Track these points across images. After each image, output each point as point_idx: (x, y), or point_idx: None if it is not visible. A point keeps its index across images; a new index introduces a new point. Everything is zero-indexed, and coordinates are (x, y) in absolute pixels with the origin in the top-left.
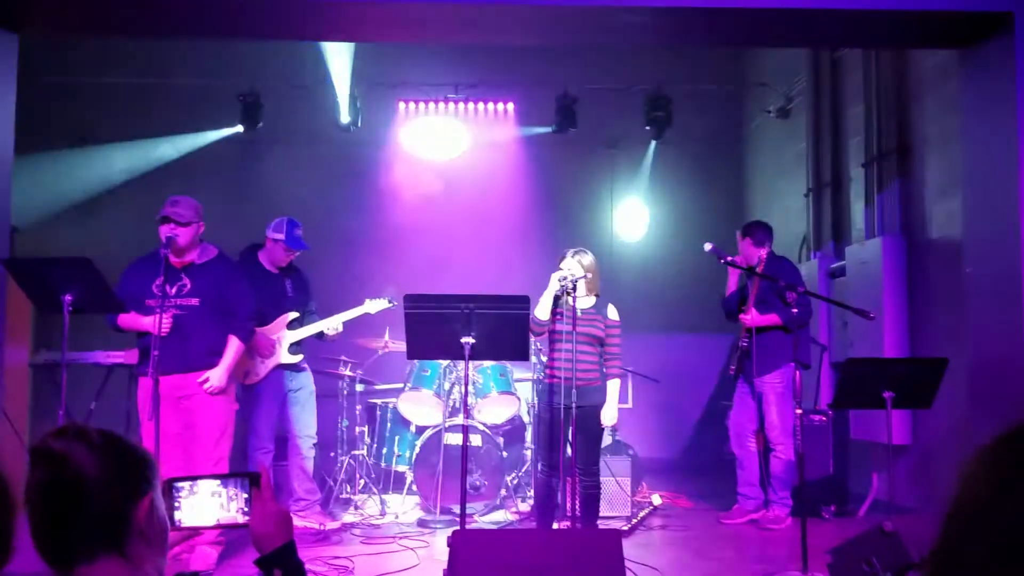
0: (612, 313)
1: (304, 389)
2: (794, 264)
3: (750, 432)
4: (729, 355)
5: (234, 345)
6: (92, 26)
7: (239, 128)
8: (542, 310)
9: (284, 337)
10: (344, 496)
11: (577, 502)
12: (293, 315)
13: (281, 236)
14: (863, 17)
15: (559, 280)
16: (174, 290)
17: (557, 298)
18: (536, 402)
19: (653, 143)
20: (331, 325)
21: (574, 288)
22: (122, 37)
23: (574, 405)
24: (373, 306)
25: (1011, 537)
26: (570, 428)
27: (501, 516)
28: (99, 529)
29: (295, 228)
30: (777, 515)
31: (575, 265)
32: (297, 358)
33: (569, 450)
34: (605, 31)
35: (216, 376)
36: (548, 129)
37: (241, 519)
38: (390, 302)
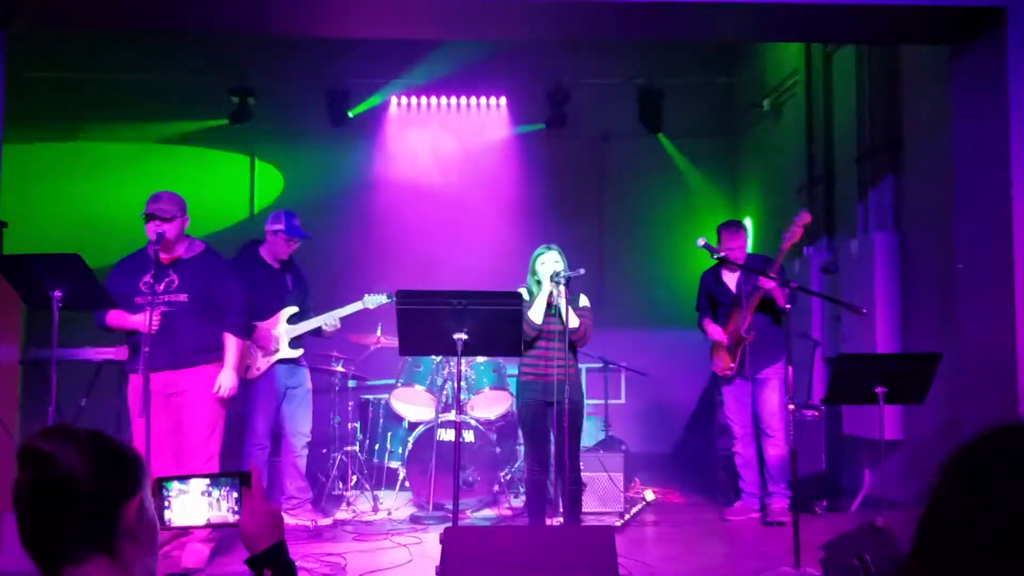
0: (583, 301)
1: (301, 387)
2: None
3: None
4: (711, 355)
5: (233, 343)
6: (78, 20)
7: (227, 123)
8: (536, 314)
9: (285, 331)
10: (336, 492)
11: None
12: (293, 309)
13: (280, 226)
14: (856, 12)
15: (552, 280)
16: (162, 286)
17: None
18: (518, 399)
19: (662, 138)
20: (329, 321)
21: (567, 284)
22: (108, 31)
23: (566, 400)
24: (372, 301)
25: (987, 540)
26: (559, 422)
27: (494, 512)
28: (87, 529)
29: (293, 218)
30: (783, 506)
31: (554, 259)
32: (297, 352)
33: (553, 447)
34: (597, 25)
35: (227, 379)
36: (540, 124)
37: (231, 518)
38: (389, 298)
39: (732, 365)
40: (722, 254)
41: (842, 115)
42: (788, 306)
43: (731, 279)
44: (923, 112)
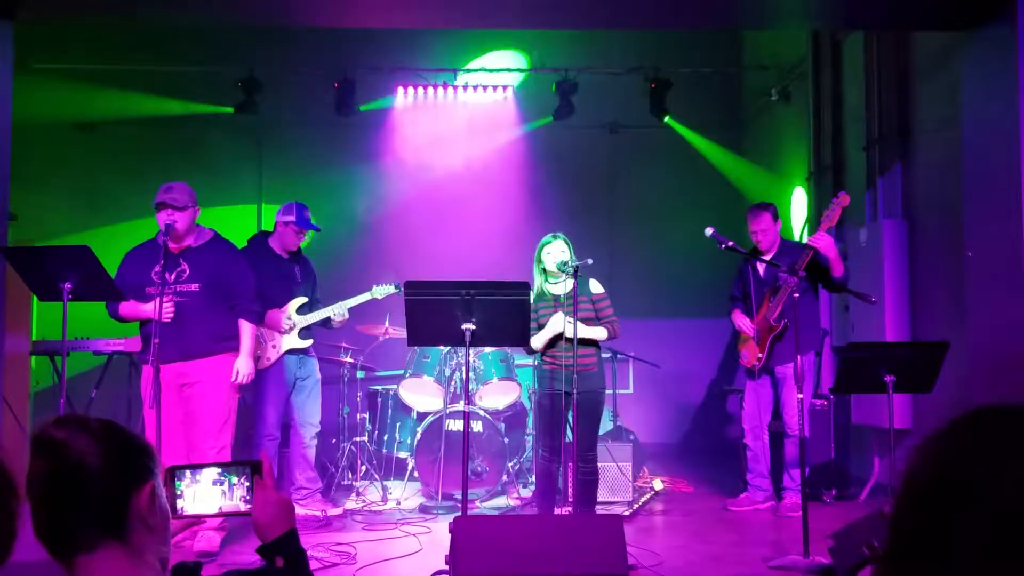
0: (595, 287)
1: (310, 378)
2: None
3: (766, 424)
4: (732, 344)
5: (248, 329)
6: (84, 10)
7: (233, 112)
8: (539, 343)
9: (294, 322)
10: (346, 483)
11: (575, 488)
12: (302, 300)
13: (292, 218)
14: None
15: (558, 267)
16: (173, 276)
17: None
18: (536, 388)
19: (671, 122)
20: (338, 311)
21: (575, 274)
22: (114, 21)
23: (574, 391)
24: (380, 292)
25: (967, 529)
26: (570, 413)
27: (503, 502)
28: (100, 518)
29: (304, 210)
30: (796, 502)
31: (560, 249)
32: (307, 343)
33: (569, 435)
34: (603, 12)
35: (244, 365)
36: (548, 113)
37: (243, 507)
38: (397, 288)
39: (760, 356)
40: (730, 244)
41: (851, 103)
42: (841, 275)
43: (760, 266)
44: (932, 99)
